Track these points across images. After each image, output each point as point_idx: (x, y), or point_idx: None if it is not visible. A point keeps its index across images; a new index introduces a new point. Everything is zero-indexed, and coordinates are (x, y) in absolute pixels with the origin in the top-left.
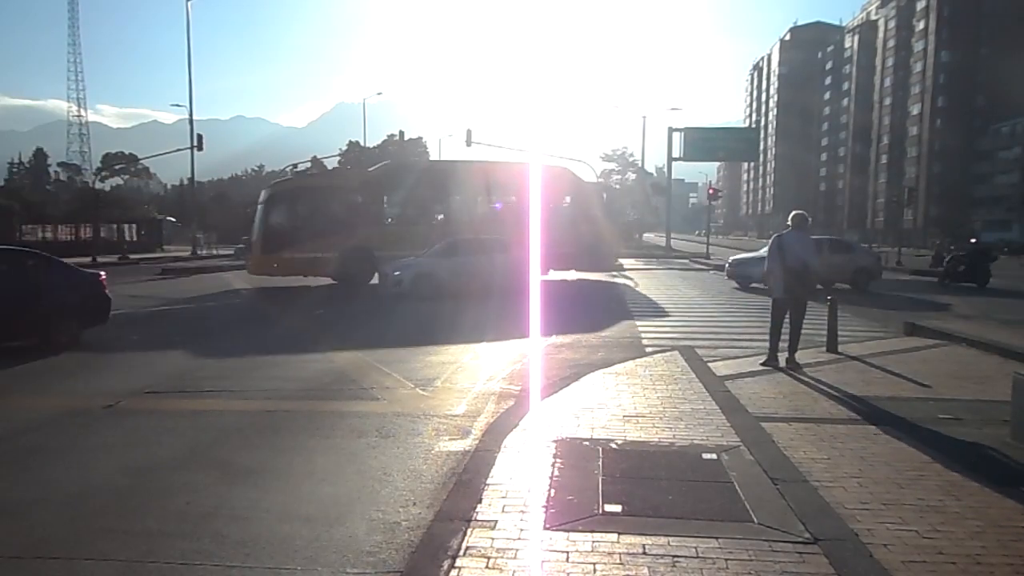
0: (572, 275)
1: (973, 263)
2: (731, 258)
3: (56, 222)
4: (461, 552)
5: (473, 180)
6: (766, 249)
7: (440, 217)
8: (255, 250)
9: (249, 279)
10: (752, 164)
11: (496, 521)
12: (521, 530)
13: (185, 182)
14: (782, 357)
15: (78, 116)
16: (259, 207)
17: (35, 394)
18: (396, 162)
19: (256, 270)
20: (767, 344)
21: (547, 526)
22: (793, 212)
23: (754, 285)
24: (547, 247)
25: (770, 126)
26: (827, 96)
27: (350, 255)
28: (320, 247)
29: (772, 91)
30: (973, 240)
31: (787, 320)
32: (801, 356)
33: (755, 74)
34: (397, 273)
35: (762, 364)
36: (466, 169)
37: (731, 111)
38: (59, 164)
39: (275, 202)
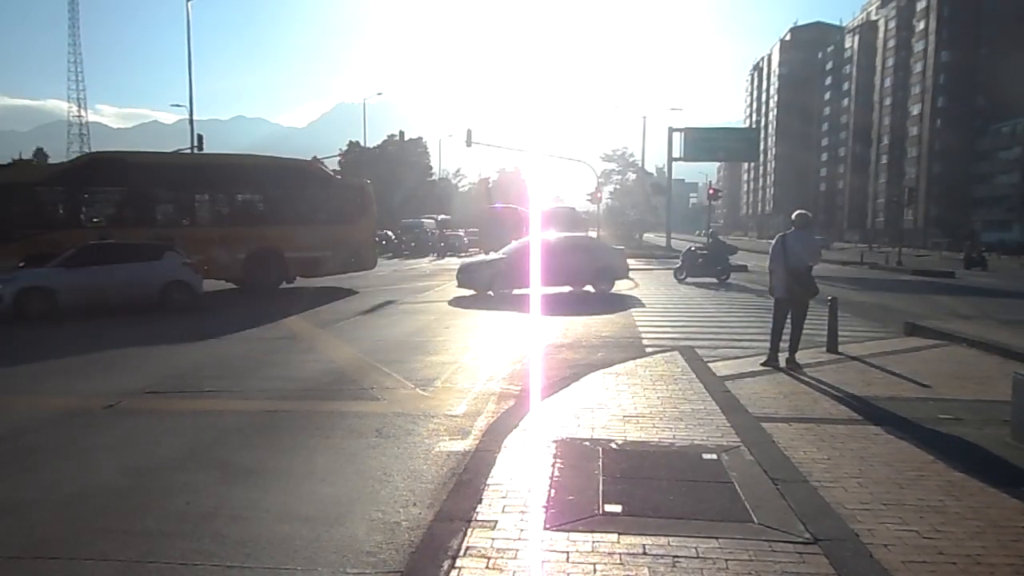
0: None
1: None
2: (461, 263)
3: None
4: (461, 552)
5: (182, 176)
6: (497, 253)
7: (137, 218)
8: None
9: None
10: (752, 164)
11: (496, 521)
12: (521, 530)
13: None
14: (782, 357)
15: (78, 116)
16: None
17: (35, 394)
18: (91, 155)
19: None
20: (767, 344)
21: (547, 526)
22: (796, 212)
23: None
24: (287, 249)
25: (770, 126)
26: (827, 96)
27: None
28: None
29: (772, 91)
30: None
31: (788, 320)
32: (801, 356)
33: (755, 74)
34: None
35: (762, 364)
36: (175, 164)
37: (731, 111)
38: None
39: None
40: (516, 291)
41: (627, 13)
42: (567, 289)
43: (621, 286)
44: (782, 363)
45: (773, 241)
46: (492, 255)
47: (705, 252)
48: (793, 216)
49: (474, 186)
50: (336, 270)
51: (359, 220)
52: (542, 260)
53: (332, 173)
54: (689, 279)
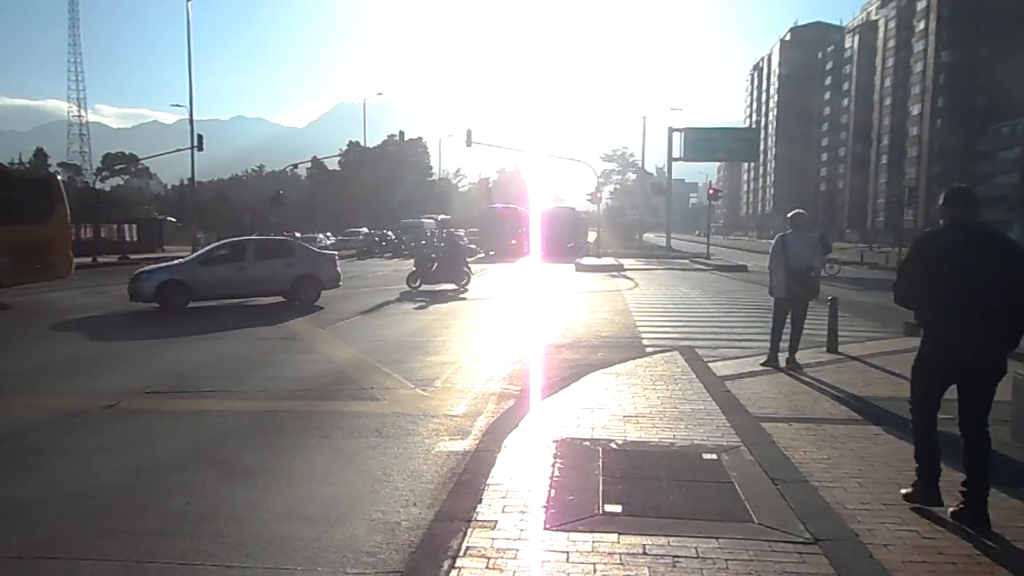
0: None
1: None
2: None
3: None
4: (461, 552)
5: None
6: (182, 258)
7: None
8: None
9: None
10: (752, 164)
11: (496, 521)
12: (521, 530)
13: (185, 182)
14: (782, 357)
15: (78, 116)
16: None
17: (35, 394)
18: None
19: None
20: (767, 344)
21: (547, 526)
22: (793, 211)
23: None
24: None
25: (770, 126)
26: (827, 96)
27: None
28: None
29: (772, 91)
30: None
31: (788, 320)
32: (801, 356)
33: (755, 74)
34: None
35: (762, 364)
36: None
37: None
38: (59, 164)
39: None
40: (193, 304)
41: (627, 13)
42: (268, 300)
43: (621, 285)
44: (782, 363)
45: (773, 241)
46: (177, 260)
47: (441, 257)
48: (790, 216)
49: (474, 186)
50: (18, 280)
51: (46, 220)
52: (229, 268)
53: (6, 165)
54: (425, 286)
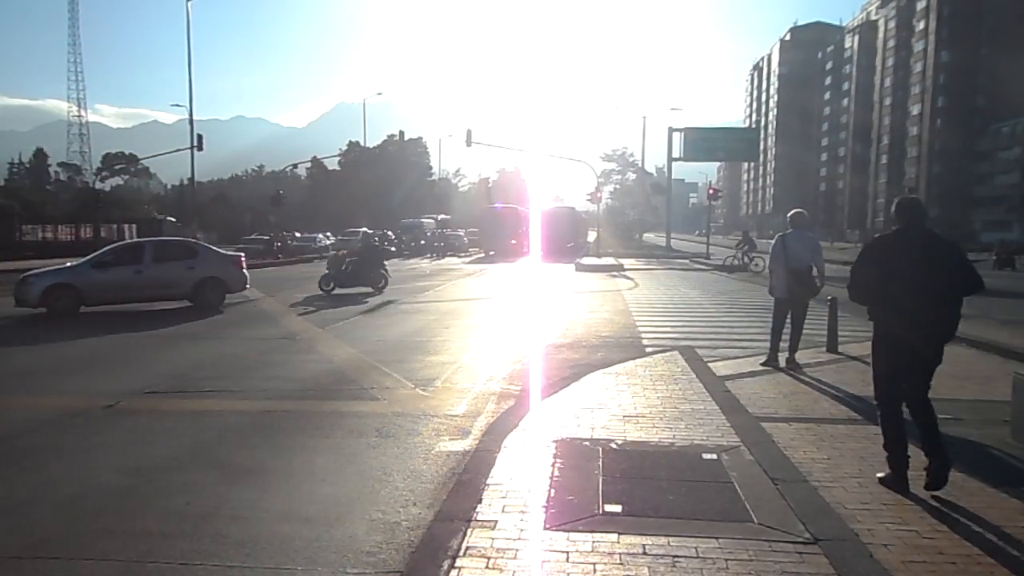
0: None
1: None
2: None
3: (56, 222)
4: (461, 552)
5: None
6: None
7: None
8: None
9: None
10: (752, 164)
11: (496, 521)
12: (521, 530)
13: (185, 182)
14: (782, 357)
15: (78, 116)
16: None
17: (35, 394)
18: None
19: None
20: (767, 344)
21: (547, 526)
22: (792, 211)
23: None
24: None
25: (770, 126)
26: (827, 96)
27: None
28: None
29: (772, 91)
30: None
31: (788, 320)
32: (801, 356)
33: (755, 74)
34: None
35: (762, 364)
36: None
37: (731, 111)
38: (59, 164)
39: None
40: (87, 310)
41: (627, 13)
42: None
43: (621, 285)
44: (782, 363)
45: (773, 241)
46: (69, 263)
47: (356, 258)
48: (789, 215)
49: (474, 186)
50: None
51: None
52: (126, 271)
53: None
54: (339, 290)
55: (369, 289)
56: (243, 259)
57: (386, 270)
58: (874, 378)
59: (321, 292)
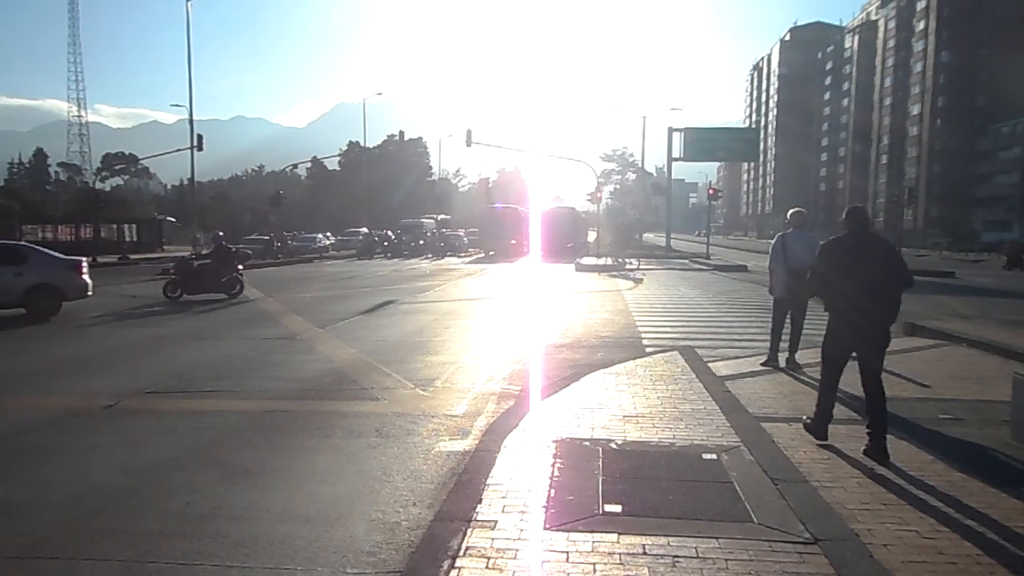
0: None
1: None
2: None
3: (56, 222)
4: (461, 552)
5: None
6: None
7: None
8: None
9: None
10: (752, 164)
11: (496, 521)
12: (521, 530)
13: (185, 182)
14: (782, 357)
15: (78, 116)
16: None
17: (35, 394)
18: None
19: None
20: (767, 344)
21: (547, 526)
22: (791, 210)
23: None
24: None
25: (770, 126)
26: (827, 96)
27: None
28: None
29: (772, 91)
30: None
31: (788, 320)
32: (801, 356)
33: (755, 74)
34: None
35: (762, 364)
36: None
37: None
38: (59, 164)
39: None
40: None
41: (627, 13)
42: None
43: (622, 285)
44: (782, 363)
45: (773, 241)
46: None
47: (207, 262)
48: (789, 215)
49: (474, 186)
50: None
51: None
52: None
53: None
54: (188, 297)
55: (223, 296)
56: (84, 264)
57: (240, 275)
58: (823, 357)
59: (166, 299)
